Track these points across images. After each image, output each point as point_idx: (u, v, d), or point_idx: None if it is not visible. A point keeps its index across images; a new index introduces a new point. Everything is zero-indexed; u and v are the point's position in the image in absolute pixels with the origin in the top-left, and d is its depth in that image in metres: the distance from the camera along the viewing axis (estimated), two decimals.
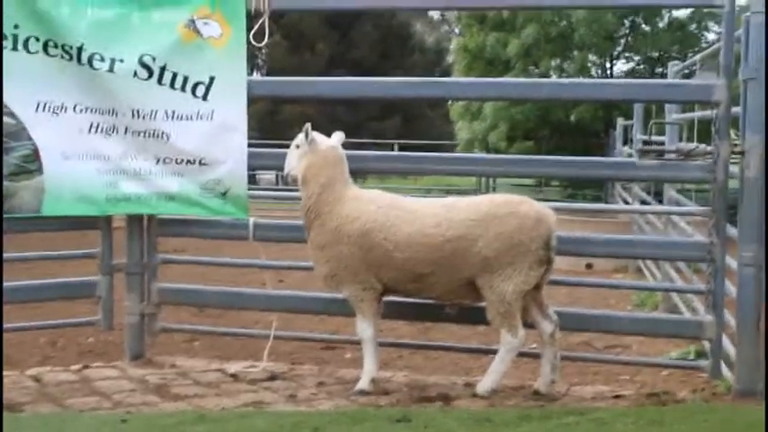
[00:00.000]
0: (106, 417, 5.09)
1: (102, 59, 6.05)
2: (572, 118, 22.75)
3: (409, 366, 7.05)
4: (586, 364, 6.86)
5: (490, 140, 23.49)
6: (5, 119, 5.97)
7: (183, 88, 6.15)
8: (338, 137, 5.92)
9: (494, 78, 13.60)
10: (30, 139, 6.01)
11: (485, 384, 5.61)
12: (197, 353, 7.30)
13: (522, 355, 5.91)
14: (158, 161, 6.19)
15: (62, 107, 6.06)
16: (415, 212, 5.54)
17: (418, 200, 5.85)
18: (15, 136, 5.98)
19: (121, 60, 6.07)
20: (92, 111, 6.10)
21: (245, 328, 7.27)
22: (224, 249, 9.62)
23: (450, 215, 5.49)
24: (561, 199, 21.55)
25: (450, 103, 26.96)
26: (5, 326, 6.71)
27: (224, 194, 6.21)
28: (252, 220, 6.30)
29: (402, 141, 26.82)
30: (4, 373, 6.26)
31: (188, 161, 6.19)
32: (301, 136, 5.82)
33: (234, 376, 6.19)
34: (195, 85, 6.15)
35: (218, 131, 6.17)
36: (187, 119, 6.16)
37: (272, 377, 6.15)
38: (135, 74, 6.09)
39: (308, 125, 5.80)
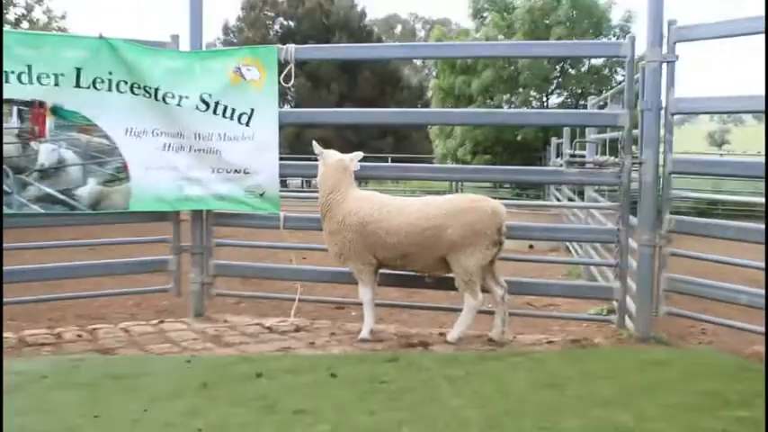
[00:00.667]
0: (176, 358, 5.13)
1: (173, 96, 6.04)
2: (519, 137, 22.78)
3: (398, 321, 7.06)
4: (528, 318, 6.87)
5: (459, 154, 23.54)
6: (102, 140, 5.97)
7: (231, 117, 6.13)
8: (357, 155, 5.94)
9: (461, 109, 13.57)
10: (120, 155, 6.00)
11: (453, 334, 5.63)
12: (242, 312, 7.29)
13: (481, 312, 5.93)
14: (213, 171, 6.18)
15: (144, 131, 6.05)
16: (401, 208, 5.55)
17: (404, 199, 5.85)
18: (110, 153, 5.98)
19: (187, 97, 6.07)
20: (165, 134, 6.09)
21: (277, 293, 7.27)
22: (261, 235, 9.59)
23: (428, 209, 5.50)
24: (511, 197, 21.59)
25: (429, 126, 27.05)
26: (106, 291, 6.78)
27: (262, 195, 6.20)
28: (282, 213, 6.30)
29: (394, 155, 26.81)
30: (101, 325, 6.31)
31: (235, 171, 6.18)
32: (318, 147, 5.82)
33: (269, 329, 6.21)
34: (240, 115, 6.14)
35: (257, 149, 6.17)
36: (234, 140, 6.15)
37: (297, 329, 6.17)
38: (197, 107, 6.08)
39: (314, 143, 5.79)
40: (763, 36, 5.03)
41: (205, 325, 6.30)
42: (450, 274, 5.61)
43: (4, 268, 6.50)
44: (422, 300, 7.59)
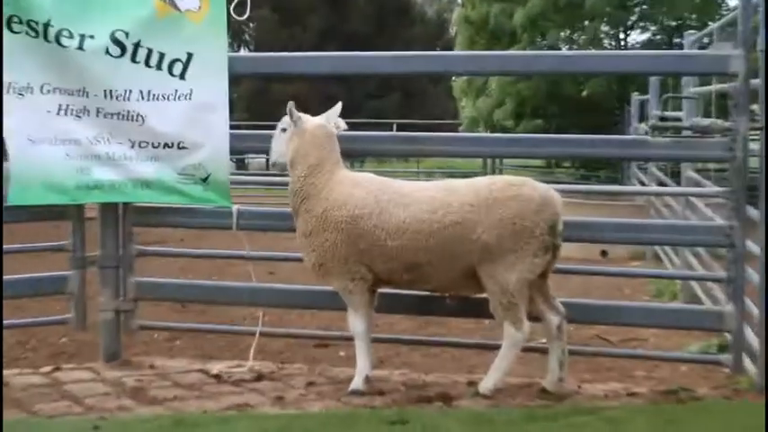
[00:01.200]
0: (77, 422, 5.07)
1: (71, 36, 6.01)
2: (583, 93, 22.72)
3: (407, 364, 7.01)
4: (599, 359, 6.84)
5: (496, 118, 23.50)
6: None
7: (158, 66, 6.12)
8: (335, 111, 5.96)
9: (498, 52, 13.54)
10: None
11: (487, 383, 5.60)
12: (178, 352, 7.27)
13: (528, 350, 5.89)
14: (133, 145, 6.17)
15: (28, 88, 6.03)
16: (408, 196, 5.53)
17: (412, 183, 5.82)
18: None
19: (92, 37, 6.04)
20: (60, 91, 6.07)
21: (230, 325, 7.25)
22: (206, 240, 9.59)
23: (446, 198, 5.47)
24: (573, 182, 21.54)
25: (452, 79, 26.97)
26: None
27: (205, 180, 6.18)
28: (236, 207, 6.29)
29: (401, 121, 26.81)
30: None
31: (165, 144, 6.16)
32: (286, 118, 5.82)
33: (217, 377, 6.18)
34: (172, 63, 6.12)
35: (197, 112, 6.14)
36: (164, 99, 6.14)
37: (259, 377, 6.14)
38: (107, 51, 6.06)
39: (291, 103, 5.80)
40: None
41: (122, 372, 6.27)
42: (482, 295, 5.57)
43: None
44: (442, 333, 7.57)
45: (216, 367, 6.42)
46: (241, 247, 6.57)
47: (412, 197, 5.52)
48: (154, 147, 6.17)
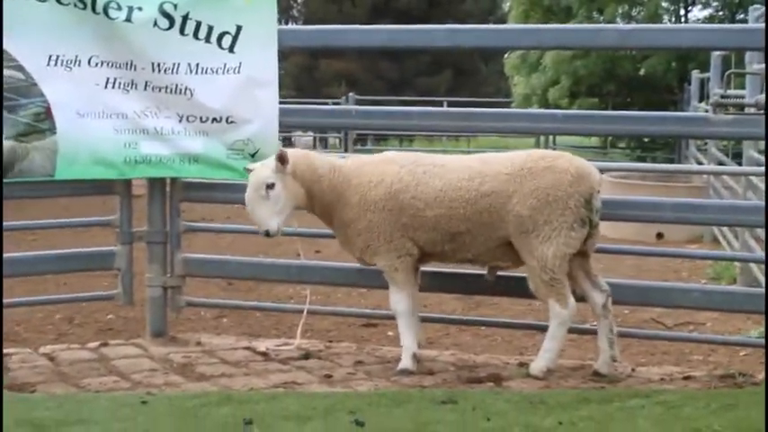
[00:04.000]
0: (125, 397, 5.15)
1: (119, 8, 6.05)
2: (641, 71, 22.50)
3: (457, 344, 7.05)
4: (654, 342, 6.82)
5: (550, 96, 23.32)
6: (13, 72, 6.01)
7: (207, 39, 6.15)
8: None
9: (554, 26, 13.46)
10: (41, 95, 6.04)
11: (539, 363, 5.62)
12: (224, 329, 7.34)
13: (582, 332, 5.89)
14: (181, 119, 6.20)
15: (76, 61, 6.08)
16: (442, 166, 5.62)
17: (443, 156, 5.91)
18: (25, 92, 6.02)
19: (140, 8, 6.08)
20: (108, 64, 6.13)
21: (277, 303, 7.30)
22: None
23: (481, 167, 5.57)
24: (630, 160, 21.41)
25: (504, 56, 26.81)
26: (21, 299, 6.86)
27: (253, 156, 6.20)
28: None
29: (452, 98, 26.66)
30: (14, 350, 6.39)
31: (214, 119, 6.19)
32: (263, 173, 5.57)
33: (264, 355, 6.23)
34: (221, 36, 6.15)
35: (245, 87, 6.17)
36: (212, 72, 6.17)
37: (306, 356, 6.17)
38: (155, 23, 6.09)
39: (280, 151, 5.61)
40: None
41: (169, 349, 6.33)
42: (521, 271, 5.64)
43: None
44: (492, 314, 7.58)
45: (263, 345, 6.48)
46: (289, 226, 6.60)
47: (446, 167, 5.61)
48: (202, 121, 6.21)
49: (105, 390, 5.38)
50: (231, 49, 6.17)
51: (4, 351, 6.30)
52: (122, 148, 6.19)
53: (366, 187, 5.64)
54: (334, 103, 20.97)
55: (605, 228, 12.89)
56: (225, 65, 6.17)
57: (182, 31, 6.13)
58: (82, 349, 6.41)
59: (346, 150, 20.23)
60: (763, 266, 8.60)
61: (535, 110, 19.79)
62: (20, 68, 6.01)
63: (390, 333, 7.26)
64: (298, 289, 8.16)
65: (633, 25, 18.13)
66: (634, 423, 4.63)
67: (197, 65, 6.16)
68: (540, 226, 5.43)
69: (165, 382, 5.53)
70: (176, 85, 6.17)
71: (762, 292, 6.90)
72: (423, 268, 5.96)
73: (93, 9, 6.03)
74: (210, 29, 6.15)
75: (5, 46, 5.95)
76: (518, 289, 5.90)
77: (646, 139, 23.13)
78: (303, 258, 6.69)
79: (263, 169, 5.57)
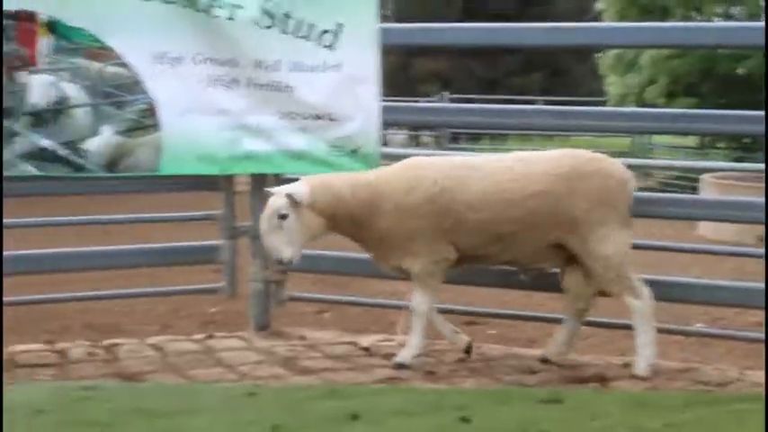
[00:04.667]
0: (232, 389, 5.23)
1: (222, 6, 6.08)
2: (739, 71, 22.14)
3: None
4: (761, 345, 6.69)
5: (646, 96, 23.09)
6: (119, 69, 6.11)
7: (308, 37, 6.17)
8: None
9: (652, 23, 13.22)
10: (146, 92, 6.11)
11: (641, 364, 5.60)
12: (327, 324, 7.40)
13: (687, 334, 5.82)
14: (283, 116, 6.22)
15: (180, 58, 6.13)
16: (483, 167, 5.65)
17: (482, 156, 6.00)
18: (130, 89, 6.08)
19: (242, 7, 6.11)
20: (211, 62, 6.16)
21: (381, 299, 7.33)
22: None
23: (527, 168, 5.61)
24: (729, 160, 21.10)
25: (598, 55, 26.57)
26: (128, 291, 7.00)
27: (354, 152, 6.21)
28: None
29: (545, 98, 26.54)
30: (122, 340, 6.53)
31: (315, 116, 6.21)
32: (277, 204, 5.64)
33: (367, 350, 6.29)
34: (322, 34, 6.17)
35: (346, 84, 6.18)
36: (313, 70, 6.19)
37: None
38: (257, 22, 6.12)
39: (289, 193, 5.64)
40: None
41: (273, 342, 6.42)
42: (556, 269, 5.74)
43: None
44: (591, 313, 7.51)
45: (365, 340, 6.53)
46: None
47: (489, 167, 5.63)
48: (303, 118, 6.22)
49: (212, 381, 5.48)
50: (332, 47, 6.18)
51: (114, 341, 6.48)
52: (225, 144, 6.22)
53: (404, 193, 5.63)
54: (427, 102, 21.00)
55: (705, 229, 12.77)
56: (325, 62, 6.18)
57: (283, 29, 6.17)
58: (188, 341, 6.54)
59: (440, 149, 20.24)
60: None
61: (641, 109, 19.61)
62: (125, 66, 6.08)
63: (492, 331, 7.26)
64: (398, 286, 8.16)
65: (736, 23, 17.86)
66: (743, 427, 4.56)
67: (299, 62, 6.19)
68: (595, 227, 5.48)
69: (270, 375, 5.61)
70: (278, 83, 6.19)
71: None
72: None
73: (197, 7, 6.09)
74: (311, 27, 6.17)
75: (111, 43, 6.05)
76: None
77: (745, 140, 22.80)
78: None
79: (278, 198, 5.57)
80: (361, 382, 5.46)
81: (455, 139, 25.24)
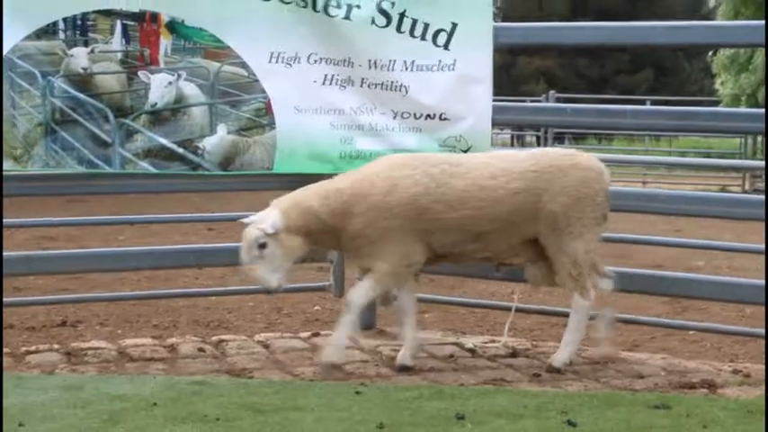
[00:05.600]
0: (339, 387, 5.27)
1: (339, 6, 6.17)
2: None
3: (664, 349, 6.93)
4: None
5: (760, 97, 22.65)
6: (236, 69, 6.23)
7: (423, 36, 6.23)
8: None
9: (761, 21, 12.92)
10: (262, 91, 6.22)
11: (561, 356, 5.73)
12: (429, 325, 7.40)
13: None
14: (396, 115, 6.29)
15: (296, 58, 6.22)
16: (461, 164, 5.59)
17: (459, 155, 5.92)
18: (248, 88, 6.22)
19: (358, 6, 6.19)
20: (326, 61, 6.24)
21: (486, 299, 7.34)
22: None
23: (506, 165, 5.58)
24: None
25: (710, 54, 26.14)
26: (235, 288, 7.12)
27: (465, 152, 6.24)
28: None
29: (654, 97, 26.20)
30: (229, 336, 6.69)
31: (428, 116, 6.26)
32: (255, 232, 5.36)
33: (472, 351, 6.28)
34: (436, 33, 6.22)
35: (460, 83, 6.24)
36: (427, 70, 6.24)
37: (514, 353, 6.21)
38: (372, 21, 6.20)
39: (260, 225, 5.38)
40: None
41: (378, 341, 6.46)
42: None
43: (91, 250, 7.01)
44: (700, 318, 7.44)
45: (470, 341, 6.54)
46: None
47: (467, 165, 5.58)
48: (416, 118, 6.28)
49: (319, 378, 5.54)
50: (446, 47, 6.23)
51: (221, 337, 6.63)
52: (338, 143, 6.31)
53: (377, 197, 5.48)
54: (533, 101, 20.88)
55: None
56: (440, 62, 6.23)
57: (398, 29, 6.21)
58: (294, 338, 6.63)
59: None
60: None
61: (755, 110, 19.26)
62: (243, 65, 6.20)
63: (598, 335, 7.21)
64: (500, 286, 8.18)
65: None
66: None
67: (412, 62, 6.24)
68: (572, 223, 5.51)
69: (376, 374, 5.65)
70: (392, 82, 6.26)
71: None
72: None
73: (314, 7, 6.16)
74: (426, 26, 6.22)
75: (229, 43, 6.17)
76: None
77: None
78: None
79: (253, 230, 5.34)
80: (467, 384, 5.47)
81: (558, 138, 25.08)
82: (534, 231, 5.59)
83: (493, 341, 6.54)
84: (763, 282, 5.80)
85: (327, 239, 5.65)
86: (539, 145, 23.28)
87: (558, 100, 20.39)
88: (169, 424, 4.48)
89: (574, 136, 26.86)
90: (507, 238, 5.61)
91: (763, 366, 5.71)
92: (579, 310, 5.67)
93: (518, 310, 6.57)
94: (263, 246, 5.33)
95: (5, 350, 6.04)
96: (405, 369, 5.71)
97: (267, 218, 5.37)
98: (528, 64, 33.44)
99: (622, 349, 6.36)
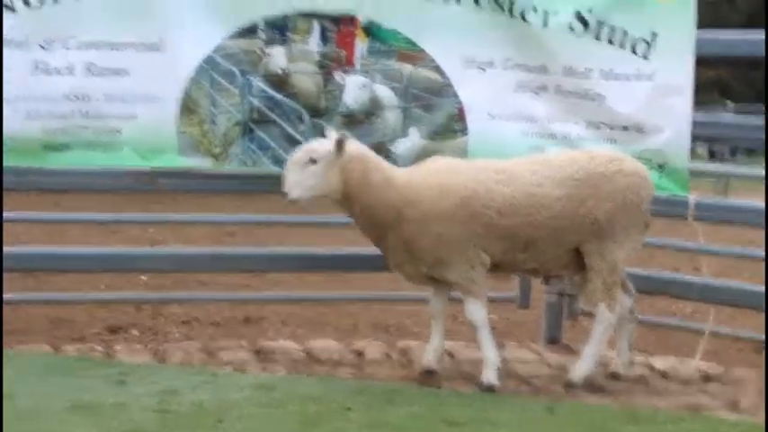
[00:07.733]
0: (529, 403, 5.26)
1: (537, 11, 6.09)
2: None
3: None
4: None
5: None
6: (430, 73, 6.20)
7: (622, 45, 6.11)
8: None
9: None
10: (455, 96, 6.18)
11: (580, 370, 5.62)
12: (610, 342, 7.25)
13: None
14: (589, 125, 6.18)
15: (490, 63, 6.17)
16: (506, 170, 5.51)
17: (502, 161, 5.69)
18: (441, 93, 6.18)
19: (556, 13, 6.10)
20: (521, 68, 6.17)
21: (685, 322, 7.20)
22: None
23: (549, 171, 5.51)
24: None
25: None
26: (403, 294, 7.13)
27: (661, 167, 6.09)
28: (693, 198, 6.17)
29: None
30: (413, 341, 6.72)
31: (623, 127, 6.13)
32: (320, 149, 5.43)
33: (663, 373, 6.15)
34: (636, 42, 6.09)
35: (659, 94, 6.10)
36: (625, 79, 6.11)
37: (707, 378, 6.05)
38: (570, 28, 6.10)
39: (341, 136, 5.44)
40: None
41: (564, 357, 6.35)
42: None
43: (264, 251, 7.14)
44: None
45: (661, 362, 6.38)
46: (695, 240, 6.43)
47: (513, 171, 5.49)
48: (611, 128, 6.15)
49: (509, 392, 5.50)
50: (645, 56, 6.09)
51: (407, 343, 6.67)
52: (529, 151, 6.19)
53: (431, 201, 5.43)
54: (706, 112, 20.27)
55: None
56: (638, 71, 6.10)
57: (597, 37, 6.10)
58: (478, 348, 6.53)
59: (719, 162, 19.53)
60: None
61: None
62: (436, 69, 6.17)
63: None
64: (680, 305, 7.94)
65: None
66: None
67: (609, 71, 6.12)
68: (615, 230, 5.48)
69: (567, 392, 5.58)
70: (587, 91, 6.15)
71: None
72: None
73: (511, 12, 6.10)
74: (625, 34, 6.10)
75: (423, 46, 6.14)
76: None
77: None
78: (706, 272, 6.58)
79: (320, 145, 5.44)
80: (660, 408, 5.35)
81: (731, 151, 24.39)
82: (578, 239, 5.52)
83: (684, 363, 6.35)
84: None
85: (365, 221, 5.57)
86: (711, 158, 22.69)
87: (737, 111, 19.78)
88: (365, 430, 4.53)
89: (747, 150, 26.08)
90: (553, 247, 5.53)
91: None
92: (604, 321, 5.60)
93: (714, 333, 6.40)
94: (312, 161, 5.38)
95: (196, 344, 6.27)
96: (429, 373, 5.71)
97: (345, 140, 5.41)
98: (702, 74, 32.59)
99: None
